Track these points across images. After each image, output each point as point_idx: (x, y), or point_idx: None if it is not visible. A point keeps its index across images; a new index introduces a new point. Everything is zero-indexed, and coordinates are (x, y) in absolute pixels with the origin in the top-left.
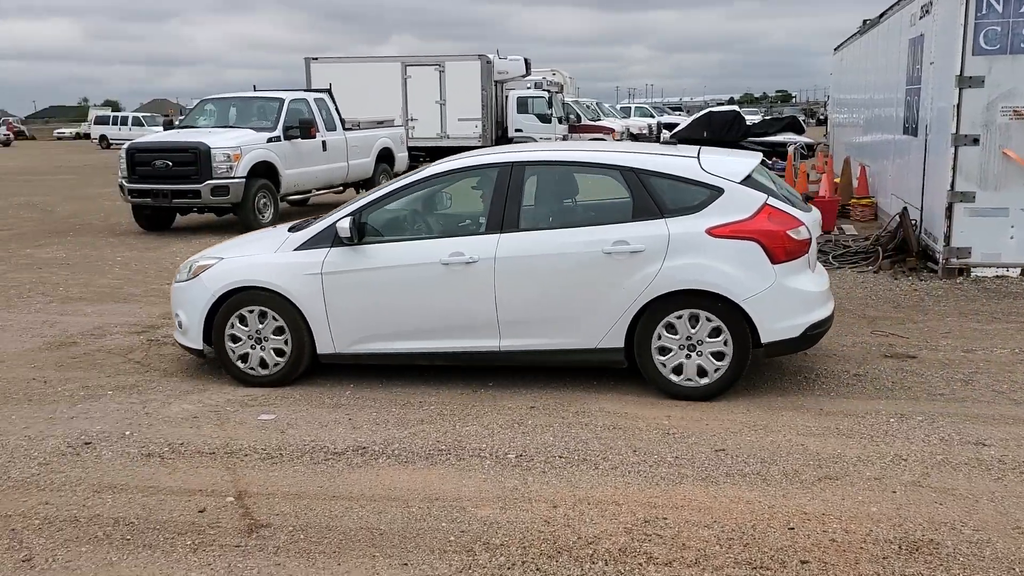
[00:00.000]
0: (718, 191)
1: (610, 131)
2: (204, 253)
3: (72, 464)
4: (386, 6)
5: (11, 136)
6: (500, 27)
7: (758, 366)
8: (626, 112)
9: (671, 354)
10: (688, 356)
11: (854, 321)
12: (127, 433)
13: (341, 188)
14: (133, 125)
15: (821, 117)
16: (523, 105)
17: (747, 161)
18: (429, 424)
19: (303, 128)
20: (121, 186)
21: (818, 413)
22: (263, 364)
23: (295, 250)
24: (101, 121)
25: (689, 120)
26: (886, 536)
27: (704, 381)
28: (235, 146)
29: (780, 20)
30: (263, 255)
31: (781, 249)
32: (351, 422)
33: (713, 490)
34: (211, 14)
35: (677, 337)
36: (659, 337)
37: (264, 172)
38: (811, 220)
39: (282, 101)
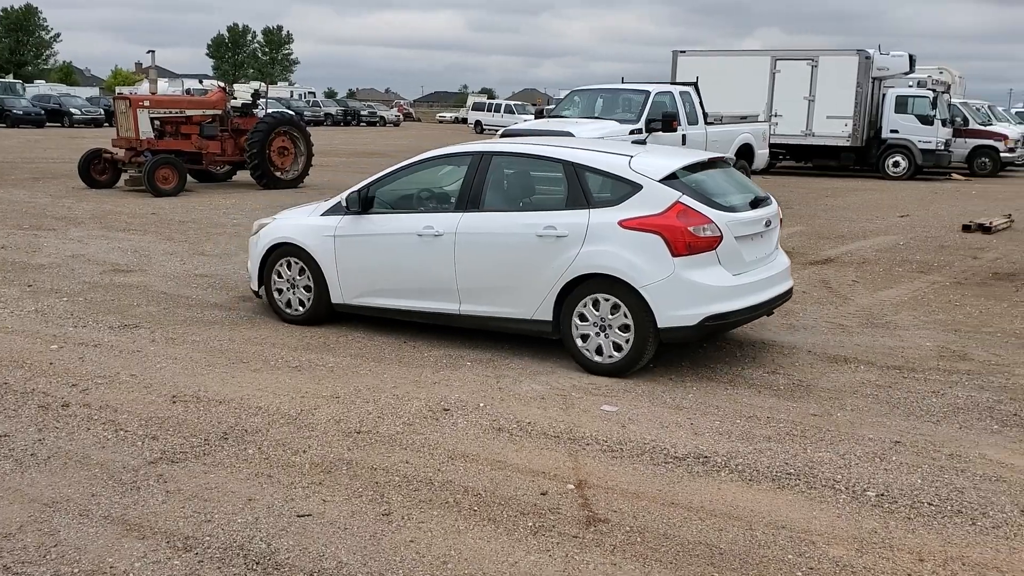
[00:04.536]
0: (637, 187)
1: (1003, 137)
2: (272, 216)
3: (431, 428)
4: None
5: (401, 117)
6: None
7: None
8: (1022, 117)
9: (587, 331)
10: (599, 335)
11: None
12: (481, 405)
13: None
14: (505, 112)
15: None
16: (902, 105)
17: (677, 160)
18: (777, 443)
19: (665, 121)
20: None
21: None
22: (297, 304)
23: (321, 216)
24: (477, 108)
25: None
26: None
27: (611, 359)
28: (597, 137)
29: None
30: (300, 218)
31: (682, 243)
32: (692, 427)
33: None
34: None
35: (591, 318)
36: (578, 316)
37: None
38: (732, 219)
39: (647, 94)
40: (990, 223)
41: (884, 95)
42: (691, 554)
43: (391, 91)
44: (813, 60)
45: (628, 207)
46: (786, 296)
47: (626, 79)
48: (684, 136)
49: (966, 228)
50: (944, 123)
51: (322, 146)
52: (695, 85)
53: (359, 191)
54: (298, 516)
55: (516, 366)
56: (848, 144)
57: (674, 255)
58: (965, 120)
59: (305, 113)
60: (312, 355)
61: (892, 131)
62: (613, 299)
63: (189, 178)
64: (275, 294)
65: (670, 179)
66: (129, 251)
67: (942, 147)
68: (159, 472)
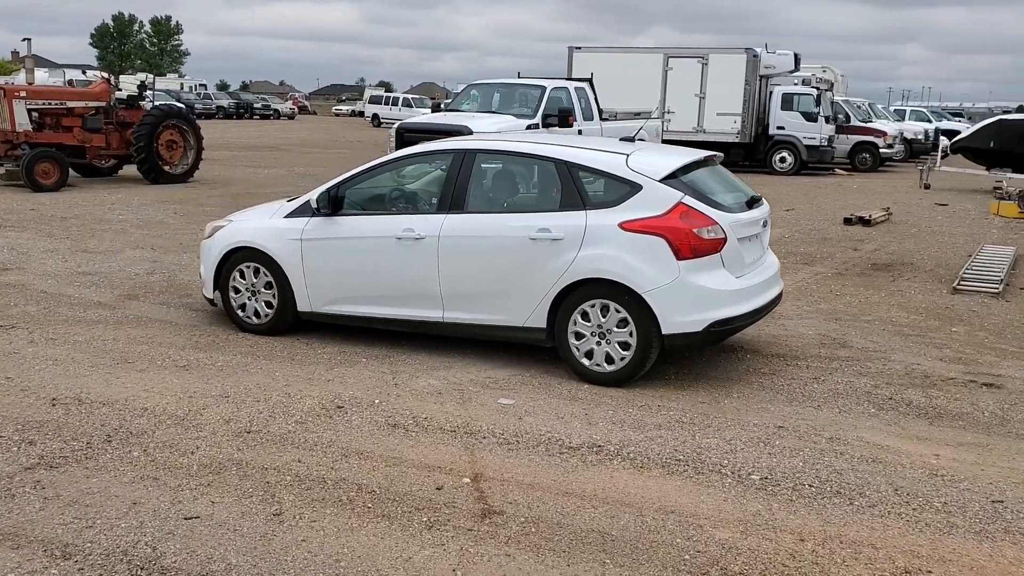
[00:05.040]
0: (637, 187)
1: (882, 134)
2: (225, 217)
3: (325, 426)
4: None
5: (296, 110)
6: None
7: None
8: (900, 115)
9: (585, 339)
10: (599, 343)
11: None
12: (376, 401)
13: None
14: (403, 106)
15: None
16: (788, 102)
17: (676, 159)
18: (667, 431)
19: (561, 116)
20: None
21: None
22: (255, 313)
23: (285, 217)
24: (374, 100)
25: (974, 127)
26: None
27: (613, 367)
28: (495, 131)
29: None
30: (261, 220)
31: (687, 246)
32: (587, 417)
33: (988, 547)
34: (476, 2)
35: (590, 324)
36: (575, 322)
37: None
38: (734, 220)
39: (544, 89)
40: (870, 216)
41: (771, 93)
42: (584, 542)
43: (286, 84)
44: (704, 58)
45: (628, 208)
46: (779, 299)
47: (522, 74)
48: (580, 131)
49: (847, 221)
50: (827, 120)
51: (214, 140)
52: (590, 81)
53: (329, 191)
54: (185, 519)
55: (413, 362)
56: (737, 140)
57: (678, 258)
58: (847, 117)
59: (196, 106)
60: (201, 354)
61: (779, 128)
62: (613, 305)
63: (72, 173)
64: (233, 302)
65: (670, 179)
66: (5, 248)
67: (826, 143)
68: (36, 478)
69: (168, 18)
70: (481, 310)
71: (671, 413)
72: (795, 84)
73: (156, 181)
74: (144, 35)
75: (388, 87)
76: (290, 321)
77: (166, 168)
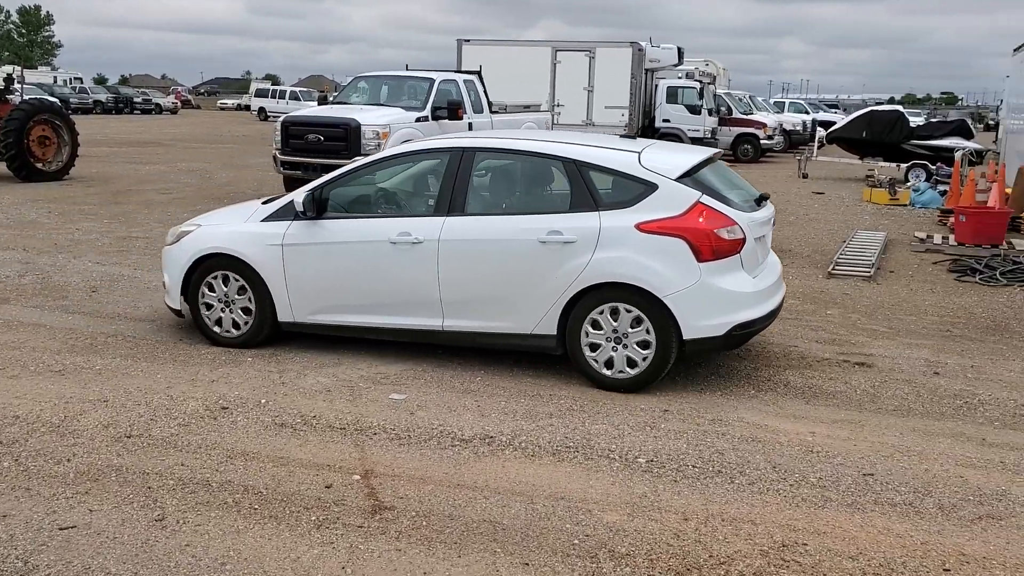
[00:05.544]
0: (652, 187)
1: (762, 125)
2: (190, 221)
3: (209, 428)
4: None
5: (179, 104)
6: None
7: (916, 388)
8: (779, 107)
9: (599, 346)
10: (615, 348)
11: (1022, 345)
12: (263, 401)
13: None
14: (290, 99)
15: (991, 122)
16: (673, 95)
17: (690, 157)
18: (558, 419)
19: (451, 109)
20: (275, 157)
21: (980, 443)
22: (230, 326)
23: (262, 221)
24: (261, 94)
25: (847, 118)
26: None
27: (631, 373)
28: (384, 124)
29: (951, 17)
30: (234, 224)
31: (708, 247)
32: (480, 409)
33: (859, 518)
34: None
35: (604, 329)
36: (589, 328)
37: None
38: (750, 219)
39: (432, 81)
40: None
41: (656, 86)
42: (475, 532)
43: (168, 77)
44: (591, 52)
45: (644, 209)
46: (783, 301)
47: (411, 67)
48: (470, 124)
49: None
50: (711, 113)
51: (91, 135)
52: (479, 74)
53: (313, 192)
54: (60, 529)
55: (301, 360)
56: (625, 133)
57: (699, 260)
58: (729, 110)
59: (72, 100)
60: (78, 358)
61: (664, 120)
62: (631, 309)
63: None
64: (204, 313)
65: (685, 177)
66: None
67: (709, 135)
68: None
69: (37, 8)
70: (485, 318)
71: (562, 402)
72: (679, 78)
73: (28, 179)
74: (11, 26)
75: (275, 80)
76: (268, 333)
77: (39, 165)
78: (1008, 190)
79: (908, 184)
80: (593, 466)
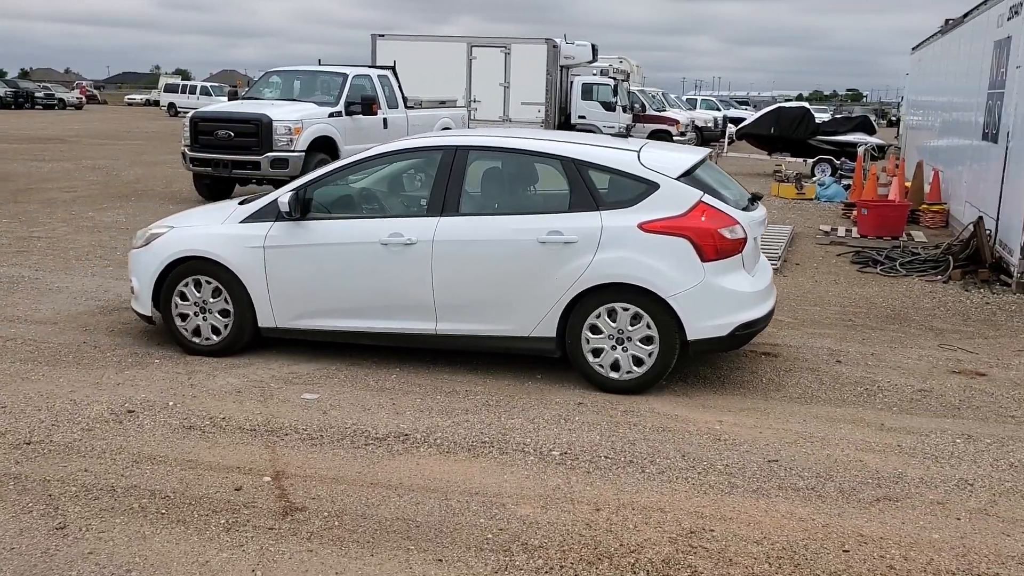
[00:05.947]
0: (654, 186)
1: (675, 122)
2: (160, 222)
3: (114, 432)
4: None
5: (83, 99)
6: (566, 11)
7: (819, 376)
8: (692, 104)
9: (601, 346)
10: (615, 348)
11: (920, 333)
12: (171, 404)
13: None
14: (201, 94)
15: (893, 118)
16: (588, 92)
17: (688, 156)
18: (474, 415)
19: (364, 104)
20: (184, 154)
21: (879, 428)
22: (206, 333)
23: (240, 223)
24: (170, 89)
25: (757, 115)
26: (948, 567)
27: (639, 372)
28: (296, 120)
29: (855, 16)
30: (210, 226)
31: (711, 247)
32: (394, 407)
33: (764, 503)
34: None
35: (605, 332)
36: (589, 329)
37: (324, 147)
38: (749, 219)
39: (345, 77)
40: None
41: (572, 83)
42: (388, 531)
43: (72, 71)
44: (506, 48)
45: (645, 208)
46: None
47: (324, 62)
48: (385, 120)
49: None
50: (625, 109)
51: None
52: (393, 69)
53: (297, 192)
54: None
55: (210, 361)
56: (617, 132)
57: (703, 260)
58: (643, 106)
59: None
60: None
61: (580, 116)
62: (634, 310)
63: None
64: (177, 320)
65: (685, 176)
66: None
67: (624, 131)
68: None
69: None
70: (481, 320)
71: (478, 397)
72: (594, 74)
73: None
74: None
75: (186, 75)
76: (248, 340)
77: None
78: (907, 184)
79: (814, 179)
80: (508, 460)
